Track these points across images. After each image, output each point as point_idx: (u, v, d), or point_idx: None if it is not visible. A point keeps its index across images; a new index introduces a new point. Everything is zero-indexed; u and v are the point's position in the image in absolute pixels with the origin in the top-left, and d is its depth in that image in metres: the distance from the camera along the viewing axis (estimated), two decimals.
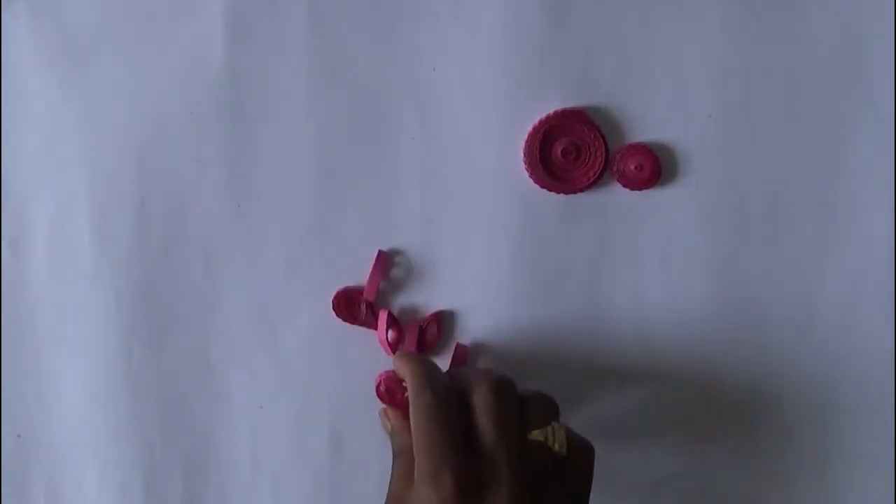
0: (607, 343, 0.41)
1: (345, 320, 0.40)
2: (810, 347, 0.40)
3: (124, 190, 0.41)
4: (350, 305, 0.40)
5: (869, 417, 0.41)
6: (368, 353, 0.40)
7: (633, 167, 0.40)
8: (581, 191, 0.40)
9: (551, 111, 0.40)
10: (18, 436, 0.42)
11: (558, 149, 0.40)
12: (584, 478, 0.36)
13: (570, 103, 0.40)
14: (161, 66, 0.40)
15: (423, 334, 0.40)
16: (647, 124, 0.40)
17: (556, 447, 0.35)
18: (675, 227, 0.40)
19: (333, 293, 0.40)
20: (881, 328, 0.40)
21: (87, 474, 0.42)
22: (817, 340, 0.40)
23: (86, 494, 0.42)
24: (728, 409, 0.41)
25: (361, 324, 0.40)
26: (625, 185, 0.40)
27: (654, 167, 0.40)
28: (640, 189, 0.40)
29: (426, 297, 0.41)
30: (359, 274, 0.41)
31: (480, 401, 0.34)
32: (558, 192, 0.40)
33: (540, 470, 0.34)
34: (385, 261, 0.40)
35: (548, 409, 0.35)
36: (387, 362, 0.39)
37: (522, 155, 0.40)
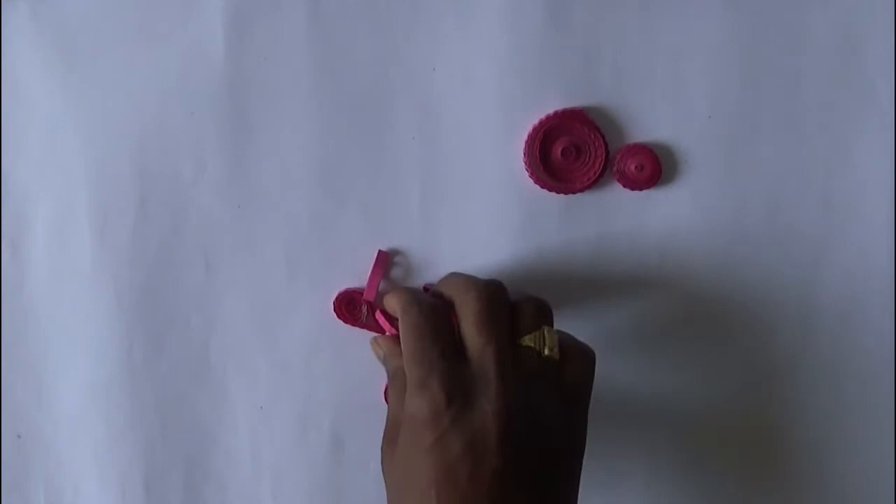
0: (607, 343, 0.41)
1: (346, 322, 0.40)
2: (810, 347, 0.40)
3: (124, 190, 0.41)
4: (351, 307, 0.40)
5: (869, 417, 0.41)
6: (368, 353, 0.40)
7: (633, 167, 0.40)
8: (581, 191, 0.40)
9: (551, 111, 0.40)
10: (18, 436, 0.42)
11: (558, 149, 0.40)
12: (580, 384, 0.35)
13: (570, 103, 0.40)
14: (161, 66, 0.40)
15: None
16: (647, 124, 0.40)
17: (546, 351, 0.34)
18: (675, 227, 0.40)
19: (335, 294, 0.40)
20: (881, 328, 0.40)
21: (87, 474, 0.42)
22: (817, 340, 0.40)
23: (86, 494, 0.42)
24: (728, 409, 0.41)
25: (363, 325, 0.40)
26: (625, 185, 0.40)
27: (654, 167, 0.40)
28: (640, 189, 0.40)
29: None
30: (359, 274, 0.41)
31: (466, 308, 0.34)
32: (558, 192, 0.40)
33: (530, 375, 0.34)
34: (385, 261, 0.40)
35: (538, 313, 0.35)
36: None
37: (522, 155, 0.40)
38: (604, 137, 0.39)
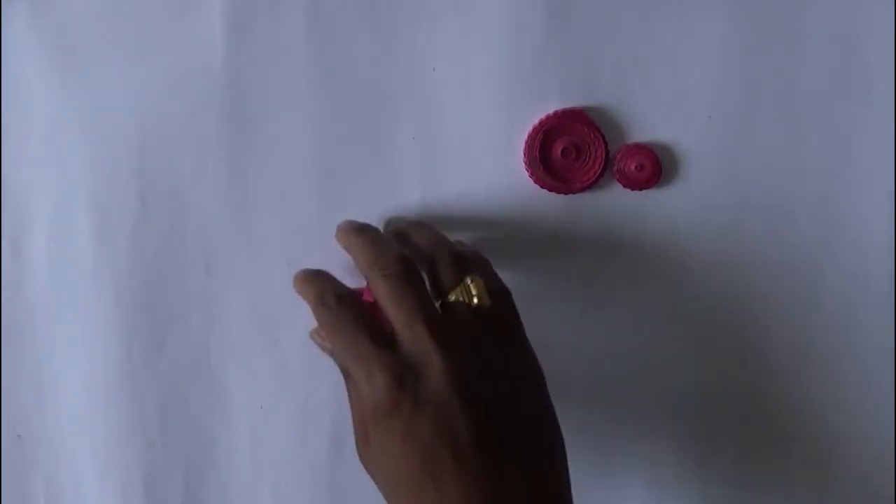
0: (607, 343, 0.41)
1: None
2: (810, 347, 0.40)
3: (124, 190, 0.41)
4: None
5: (869, 417, 0.41)
6: None
7: (633, 167, 0.40)
8: (581, 191, 0.40)
9: (551, 111, 0.40)
10: (18, 436, 0.42)
11: (558, 149, 0.40)
12: (511, 320, 0.35)
13: (570, 103, 0.40)
14: (161, 66, 0.40)
15: None
16: (647, 124, 0.40)
17: (475, 301, 0.34)
18: (675, 227, 0.40)
19: None
20: (881, 328, 0.40)
21: (87, 474, 0.42)
22: (817, 340, 0.40)
23: (86, 494, 0.42)
24: (728, 409, 0.41)
25: None
26: (625, 185, 0.40)
27: (654, 167, 0.40)
28: (640, 189, 0.40)
29: None
30: (359, 274, 0.41)
31: (376, 288, 0.34)
32: (558, 192, 0.40)
33: (466, 330, 0.33)
34: None
35: (456, 264, 0.35)
36: None
37: (522, 155, 0.40)
38: (604, 137, 0.39)
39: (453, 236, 0.40)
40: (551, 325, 0.40)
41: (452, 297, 0.34)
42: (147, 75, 0.40)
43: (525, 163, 0.40)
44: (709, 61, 0.39)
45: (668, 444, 0.41)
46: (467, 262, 0.36)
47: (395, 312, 0.33)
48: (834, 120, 0.39)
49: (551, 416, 0.35)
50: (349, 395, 0.34)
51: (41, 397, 0.42)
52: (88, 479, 0.42)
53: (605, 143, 0.39)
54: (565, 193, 0.40)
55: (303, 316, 0.41)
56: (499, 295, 0.35)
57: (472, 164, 0.40)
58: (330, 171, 0.41)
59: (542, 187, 0.40)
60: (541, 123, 0.40)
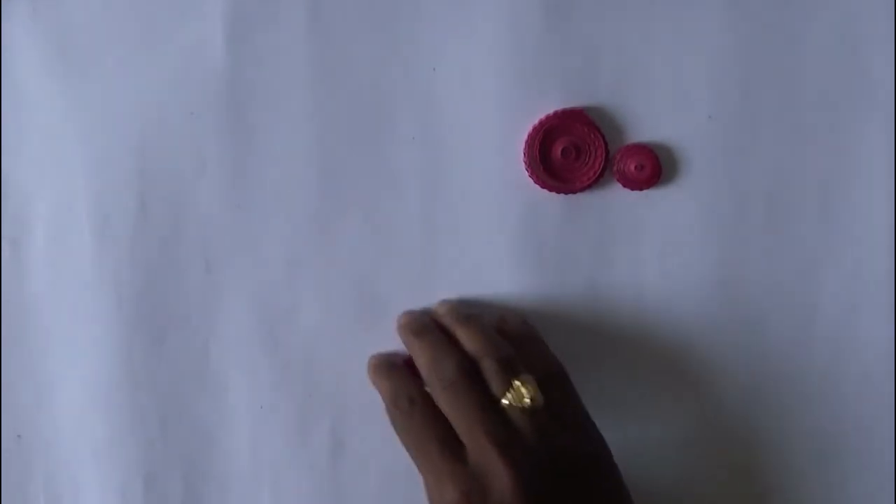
0: (607, 343, 0.41)
1: None
2: (810, 347, 0.40)
3: (124, 190, 0.41)
4: None
5: (869, 417, 0.41)
6: (369, 353, 0.40)
7: (633, 167, 0.40)
8: (581, 191, 0.40)
9: (551, 111, 0.40)
10: (18, 436, 0.42)
11: (558, 149, 0.40)
12: (570, 404, 0.36)
13: (570, 103, 0.40)
14: (161, 66, 0.40)
15: None
16: (647, 124, 0.40)
17: (528, 402, 0.34)
18: (675, 227, 0.40)
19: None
20: (881, 328, 0.40)
21: (87, 474, 0.42)
22: (817, 341, 0.40)
23: (86, 495, 0.42)
24: (728, 409, 0.41)
25: None
26: (625, 185, 0.40)
27: (654, 167, 0.40)
28: (640, 189, 0.40)
29: (426, 297, 0.41)
30: (360, 274, 0.41)
31: (438, 400, 0.35)
32: (558, 192, 0.40)
33: (527, 435, 0.33)
34: None
35: (502, 369, 0.35)
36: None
37: (522, 155, 0.40)
38: (604, 137, 0.39)
39: (453, 236, 0.40)
40: (551, 325, 0.40)
41: (506, 402, 0.34)
42: (147, 75, 0.40)
43: (525, 163, 0.40)
44: (709, 61, 0.39)
45: (667, 444, 0.41)
46: (512, 358, 0.36)
47: (458, 424, 0.34)
48: (834, 120, 0.39)
49: (624, 494, 0.35)
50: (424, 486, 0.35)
51: (41, 397, 0.42)
52: (88, 479, 0.42)
53: (605, 143, 0.39)
54: (565, 193, 0.40)
55: (303, 316, 0.41)
56: (553, 381, 0.36)
57: (471, 164, 0.40)
58: (330, 171, 0.41)
59: (542, 187, 0.40)
60: (541, 123, 0.39)
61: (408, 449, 0.35)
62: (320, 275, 0.41)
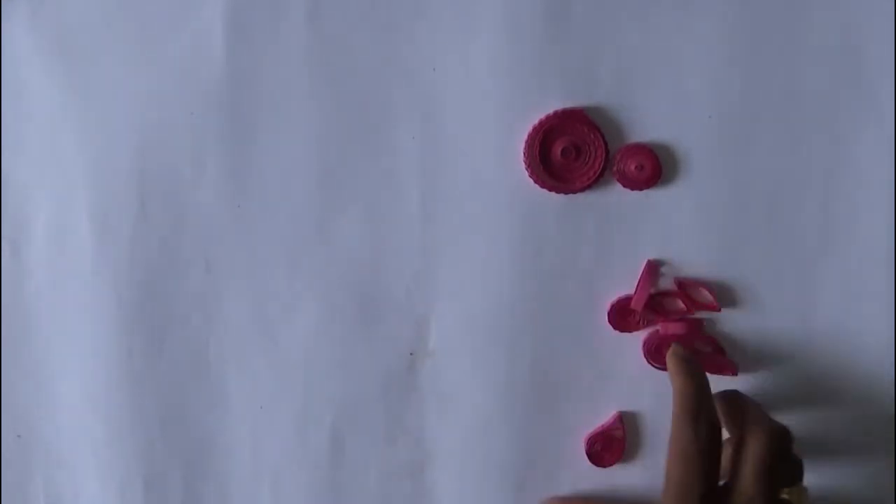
0: (606, 344, 0.41)
1: (616, 328, 0.40)
2: (810, 347, 0.40)
3: (124, 190, 0.41)
4: (622, 314, 0.40)
5: (869, 417, 0.41)
6: (368, 352, 0.40)
7: (633, 167, 0.40)
8: (581, 191, 0.40)
9: (551, 111, 0.40)
10: (18, 436, 0.42)
11: (558, 149, 0.40)
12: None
13: (570, 103, 0.40)
14: (161, 66, 0.40)
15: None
16: (647, 124, 0.40)
17: None
18: (675, 227, 0.40)
19: (609, 304, 0.40)
20: (881, 328, 0.40)
21: (87, 474, 0.42)
22: (817, 340, 0.40)
23: (86, 495, 0.42)
24: None
25: (635, 329, 0.40)
26: (625, 185, 0.40)
27: (654, 167, 0.40)
28: (640, 189, 0.40)
29: (426, 297, 0.41)
30: (360, 274, 0.41)
31: (754, 447, 0.34)
32: (558, 192, 0.40)
33: None
34: (654, 270, 0.40)
35: (800, 471, 0.36)
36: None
37: (522, 155, 0.40)
38: (604, 137, 0.39)
39: (453, 236, 0.40)
40: (551, 326, 0.40)
41: (785, 493, 0.35)
42: (147, 76, 0.40)
43: (525, 163, 0.40)
44: (709, 61, 0.39)
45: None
46: (802, 470, 0.36)
47: (753, 480, 0.33)
48: (834, 120, 0.39)
49: None
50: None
51: (41, 397, 0.42)
52: (88, 479, 0.42)
53: (605, 143, 0.39)
54: (565, 193, 0.40)
55: (303, 316, 0.41)
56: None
57: (472, 163, 0.40)
58: (330, 171, 0.41)
59: (542, 187, 0.40)
60: (541, 123, 0.39)
61: (669, 471, 0.34)
62: (320, 275, 0.41)
